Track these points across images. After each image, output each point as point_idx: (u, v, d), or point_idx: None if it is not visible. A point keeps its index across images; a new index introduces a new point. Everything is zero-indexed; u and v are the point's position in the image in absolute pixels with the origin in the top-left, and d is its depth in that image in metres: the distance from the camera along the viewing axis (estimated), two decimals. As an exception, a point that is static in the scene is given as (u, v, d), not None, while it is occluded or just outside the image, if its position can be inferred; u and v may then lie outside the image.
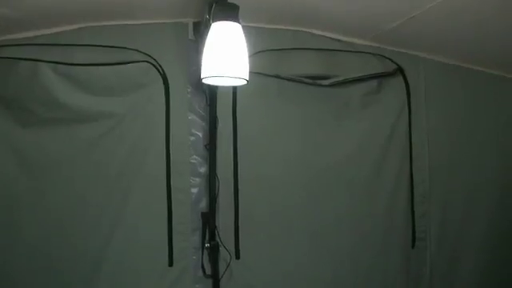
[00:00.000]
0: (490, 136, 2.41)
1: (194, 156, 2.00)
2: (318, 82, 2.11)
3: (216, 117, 1.97)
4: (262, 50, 2.00)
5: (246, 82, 1.53)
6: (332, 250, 2.13)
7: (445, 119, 2.33)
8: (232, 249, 2.00)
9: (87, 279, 1.86)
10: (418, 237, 2.27)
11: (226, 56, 1.47)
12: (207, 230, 1.99)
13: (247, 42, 1.53)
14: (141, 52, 1.91)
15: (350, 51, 2.17)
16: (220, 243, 1.98)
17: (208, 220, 1.98)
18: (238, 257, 2.01)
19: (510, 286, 2.45)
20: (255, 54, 1.91)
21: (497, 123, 2.43)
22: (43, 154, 1.84)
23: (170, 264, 1.94)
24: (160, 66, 1.93)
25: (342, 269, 2.15)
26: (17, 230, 1.82)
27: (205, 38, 1.53)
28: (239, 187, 2.01)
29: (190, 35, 1.97)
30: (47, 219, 1.84)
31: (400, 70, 2.24)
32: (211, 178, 1.97)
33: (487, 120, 2.41)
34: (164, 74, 1.93)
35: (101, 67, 1.86)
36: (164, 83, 1.93)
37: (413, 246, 2.26)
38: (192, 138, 1.99)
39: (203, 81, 1.54)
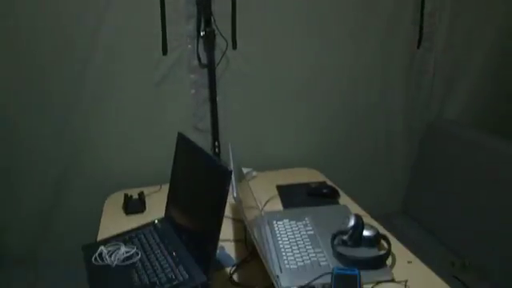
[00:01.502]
0: None
1: None
2: None
3: None
4: None
5: None
6: (333, 43, 2.05)
7: None
8: (229, 39, 1.92)
9: (84, 62, 1.81)
10: (425, 37, 2.16)
11: None
12: (202, 18, 1.87)
13: None
14: None
15: None
16: (216, 30, 1.89)
17: (203, 7, 1.85)
18: (234, 47, 1.94)
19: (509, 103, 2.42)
20: None
21: None
22: None
23: (164, 53, 1.88)
24: None
25: (342, 65, 2.10)
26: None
27: None
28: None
29: None
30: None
31: None
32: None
33: None
34: None
35: None
36: None
37: (418, 47, 2.18)
38: None
39: None
